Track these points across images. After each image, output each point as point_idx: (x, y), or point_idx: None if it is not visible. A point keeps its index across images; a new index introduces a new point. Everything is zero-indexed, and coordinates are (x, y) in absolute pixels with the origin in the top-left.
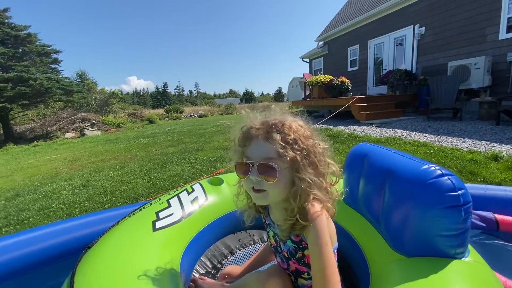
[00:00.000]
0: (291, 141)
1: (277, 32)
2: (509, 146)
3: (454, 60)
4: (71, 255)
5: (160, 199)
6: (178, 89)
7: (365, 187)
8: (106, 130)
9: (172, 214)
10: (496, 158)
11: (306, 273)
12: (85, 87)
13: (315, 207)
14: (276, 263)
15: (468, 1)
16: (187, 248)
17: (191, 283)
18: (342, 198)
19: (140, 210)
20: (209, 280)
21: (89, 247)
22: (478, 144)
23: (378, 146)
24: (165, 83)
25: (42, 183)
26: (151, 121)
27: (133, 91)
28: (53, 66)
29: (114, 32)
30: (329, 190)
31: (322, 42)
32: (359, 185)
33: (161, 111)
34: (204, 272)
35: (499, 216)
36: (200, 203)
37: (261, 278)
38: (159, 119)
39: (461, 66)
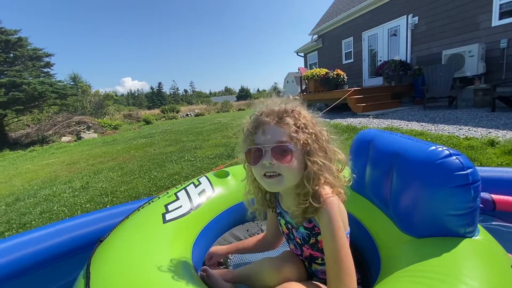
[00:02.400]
0: (302, 125)
1: (270, 27)
2: (505, 131)
3: (448, 49)
4: (82, 249)
5: (168, 193)
6: (173, 89)
7: (372, 172)
8: (103, 133)
9: (180, 206)
10: (492, 143)
11: (320, 259)
12: (79, 90)
13: (326, 190)
14: (289, 250)
15: None
16: (197, 239)
17: (202, 272)
18: (350, 184)
19: (149, 203)
20: (218, 270)
21: (101, 241)
22: (474, 131)
23: (383, 131)
24: (160, 83)
25: (42, 187)
26: (147, 122)
27: (128, 93)
28: (45, 70)
29: (106, 34)
30: (337, 175)
31: (316, 35)
32: (366, 171)
33: (157, 111)
34: None
35: (495, 196)
36: (207, 195)
37: (274, 263)
38: (156, 120)
39: (455, 54)
